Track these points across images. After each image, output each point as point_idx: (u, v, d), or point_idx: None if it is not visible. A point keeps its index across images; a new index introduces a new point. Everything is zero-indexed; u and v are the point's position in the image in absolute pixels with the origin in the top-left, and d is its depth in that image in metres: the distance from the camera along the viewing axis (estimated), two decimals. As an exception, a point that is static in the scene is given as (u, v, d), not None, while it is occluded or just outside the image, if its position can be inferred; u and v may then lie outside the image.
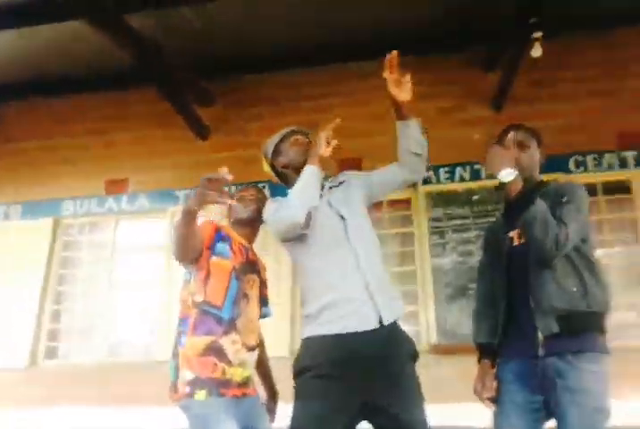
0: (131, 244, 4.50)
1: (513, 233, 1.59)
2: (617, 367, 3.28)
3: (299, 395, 1.45)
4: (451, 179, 4.13)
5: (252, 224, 1.87)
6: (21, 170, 4.76)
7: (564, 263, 1.46)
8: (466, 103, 4.29)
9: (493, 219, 1.78)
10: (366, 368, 1.40)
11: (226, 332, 1.62)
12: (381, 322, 1.45)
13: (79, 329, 4.37)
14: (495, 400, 1.55)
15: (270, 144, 1.86)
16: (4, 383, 4.04)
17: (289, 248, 1.64)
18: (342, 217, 1.60)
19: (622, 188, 3.98)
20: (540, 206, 1.40)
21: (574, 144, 4.02)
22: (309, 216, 1.54)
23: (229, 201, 1.36)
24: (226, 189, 1.37)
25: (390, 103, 1.63)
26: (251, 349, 1.71)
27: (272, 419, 1.82)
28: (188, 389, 1.54)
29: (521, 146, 1.61)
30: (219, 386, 1.56)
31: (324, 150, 1.60)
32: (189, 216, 1.46)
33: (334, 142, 1.63)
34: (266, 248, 3.99)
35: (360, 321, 1.45)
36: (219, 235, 1.73)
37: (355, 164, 4.26)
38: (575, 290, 1.43)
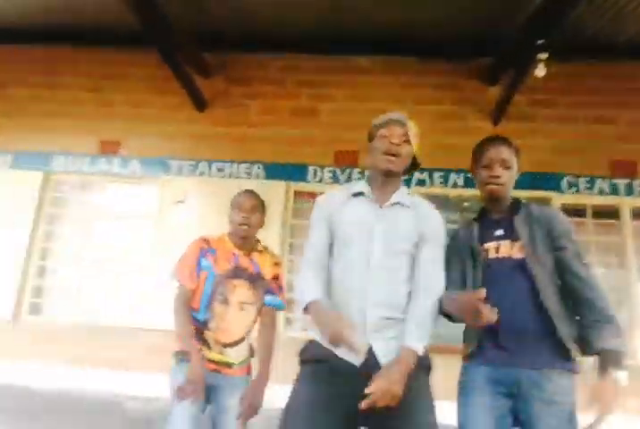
0: (120, 208, 4.47)
1: (489, 246, 1.62)
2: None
3: (302, 379, 1.50)
4: (445, 184, 4.15)
5: (245, 239, 2.03)
6: (12, 117, 4.66)
7: (557, 288, 1.54)
8: (466, 112, 4.32)
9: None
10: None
11: (201, 331, 1.92)
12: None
13: (63, 288, 4.38)
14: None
15: (375, 122, 1.65)
16: None
17: None
18: (373, 250, 1.55)
19: (611, 213, 4.04)
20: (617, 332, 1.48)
21: (567, 165, 4.09)
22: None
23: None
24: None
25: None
26: (228, 345, 1.93)
27: (252, 401, 1.89)
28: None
29: (505, 164, 1.63)
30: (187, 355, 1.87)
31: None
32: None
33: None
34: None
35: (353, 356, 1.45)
36: (202, 252, 1.98)
37: (352, 157, 4.26)
38: (568, 321, 1.51)
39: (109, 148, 4.54)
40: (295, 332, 4.01)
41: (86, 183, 4.58)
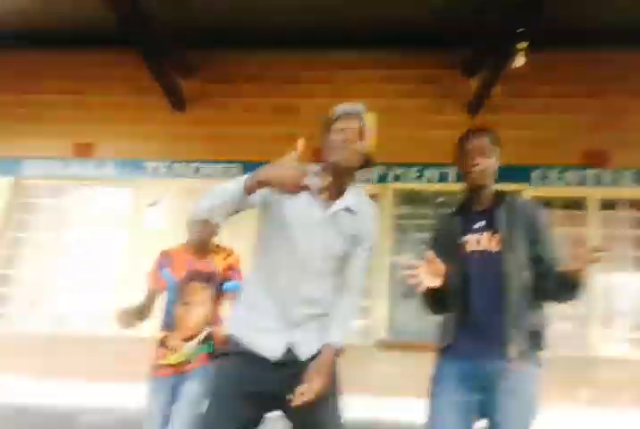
0: (93, 212, 4.38)
1: (470, 238, 1.65)
2: (551, 376, 3.49)
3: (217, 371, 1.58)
4: (420, 179, 4.22)
5: (200, 245, 2.27)
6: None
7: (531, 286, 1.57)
8: (444, 104, 4.36)
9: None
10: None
11: (168, 331, 2.18)
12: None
13: (27, 296, 4.24)
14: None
15: (332, 113, 1.60)
16: None
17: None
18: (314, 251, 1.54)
19: (579, 204, 4.15)
20: None
21: (539, 157, 4.17)
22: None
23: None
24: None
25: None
26: (188, 339, 2.14)
27: None
28: None
29: (483, 152, 1.65)
30: (153, 370, 2.16)
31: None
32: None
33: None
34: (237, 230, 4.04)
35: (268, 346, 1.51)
36: (162, 264, 2.26)
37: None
38: (541, 312, 1.58)
39: (82, 151, 4.46)
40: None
41: (58, 187, 4.47)
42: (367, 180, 4.19)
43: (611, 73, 4.31)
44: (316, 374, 1.44)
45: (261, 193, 1.46)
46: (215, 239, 2.35)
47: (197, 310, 2.18)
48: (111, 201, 4.44)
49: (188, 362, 2.14)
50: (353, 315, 1.63)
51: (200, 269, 2.24)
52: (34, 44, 4.56)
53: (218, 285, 2.24)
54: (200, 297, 2.20)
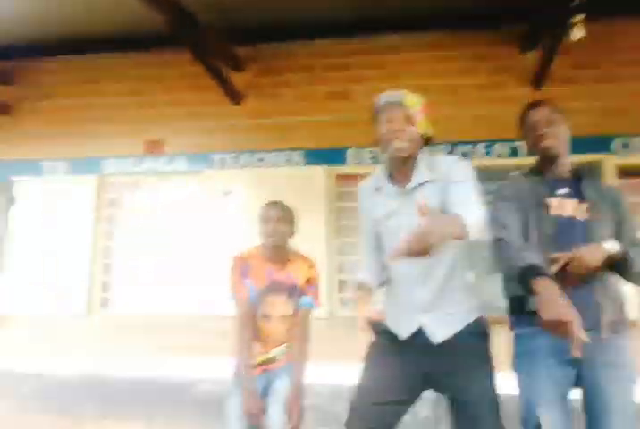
0: (171, 203, 4.63)
1: (553, 201, 1.61)
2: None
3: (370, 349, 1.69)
4: (489, 155, 4.07)
5: (279, 248, 2.12)
6: (61, 127, 4.88)
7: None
8: (504, 80, 4.19)
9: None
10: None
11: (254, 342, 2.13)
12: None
13: (129, 282, 4.58)
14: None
15: (374, 105, 1.67)
16: (66, 329, 4.41)
17: None
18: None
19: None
20: (636, 251, 1.54)
21: (615, 126, 3.94)
22: None
23: None
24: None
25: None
26: (272, 349, 2.11)
27: (292, 411, 1.99)
28: None
29: (550, 121, 1.66)
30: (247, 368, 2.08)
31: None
32: None
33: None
34: (304, 215, 4.14)
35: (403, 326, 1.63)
36: (242, 271, 2.10)
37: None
38: (622, 284, 1.59)
39: (153, 148, 4.71)
40: (348, 312, 4.10)
41: (136, 182, 4.78)
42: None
43: None
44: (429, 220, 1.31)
45: (365, 209, 1.73)
46: (291, 245, 2.20)
47: (280, 326, 2.08)
48: (185, 192, 4.65)
49: (274, 361, 2.11)
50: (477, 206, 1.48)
51: (281, 280, 2.10)
52: (89, 49, 4.84)
53: (297, 300, 2.12)
54: (283, 311, 2.07)
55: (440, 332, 1.55)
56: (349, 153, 4.31)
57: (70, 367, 4.20)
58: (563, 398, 1.51)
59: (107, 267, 4.66)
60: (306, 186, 4.31)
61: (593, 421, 1.49)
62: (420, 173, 1.59)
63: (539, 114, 1.68)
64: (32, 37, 4.70)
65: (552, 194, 1.64)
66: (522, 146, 3.95)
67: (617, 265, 1.52)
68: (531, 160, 1.83)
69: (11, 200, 4.80)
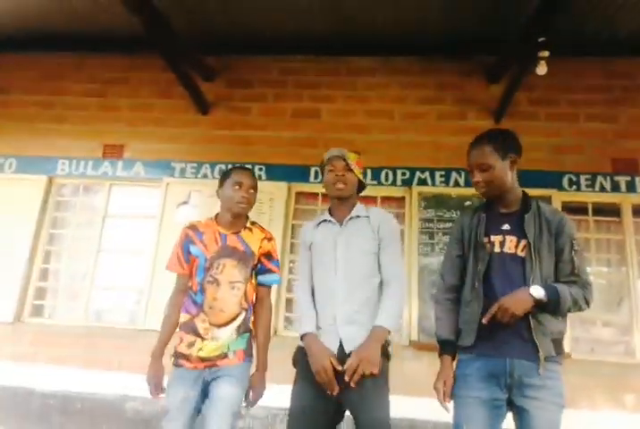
0: (123, 210, 4.50)
1: (495, 238, 1.66)
2: (592, 381, 3.44)
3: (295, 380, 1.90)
4: (446, 183, 4.16)
5: (242, 216, 2.09)
6: (16, 123, 4.70)
7: None
8: (466, 110, 4.32)
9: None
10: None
11: (198, 313, 1.98)
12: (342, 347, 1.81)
13: (65, 290, 4.41)
14: (451, 396, 1.67)
15: (324, 158, 2.07)
16: None
17: None
18: (336, 259, 1.93)
19: (612, 210, 4.05)
20: (567, 296, 1.57)
21: (568, 163, 4.10)
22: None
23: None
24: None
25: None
26: (221, 325, 1.96)
27: (256, 389, 2.01)
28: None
29: (481, 168, 1.67)
30: (179, 358, 1.96)
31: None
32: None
33: None
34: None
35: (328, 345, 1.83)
36: (189, 239, 2.04)
37: (353, 157, 4.26)
38: (560, 318, 1.63)
39: (113, 152, 4.58)
40: (295, 333, 4.02)
41: (89, 186, 4.61)
42: (392, 184, 4.17)
43: (631, 82, 4.25)
44: (360, 350, 1.73)
45: (305, 243, 2.04)
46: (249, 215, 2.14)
47: (230, 292, 1.96)
48: (142, 200, 4.54)
49: (223, 355, 1.93)
50: (400, 306, 1.86)
51: (234, 245, 2.01)
52: (57, 46, 4.72)
53: (251, 269, 2.03)
54: (233, 276, 1.97)
55: (350, 343, 1.79)
56: (312, 171, 4.32)
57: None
58: (492, 421, 1.57)
59: (44, 273, 4.44)
60: (265, 201, 4.28)
61: None
62: (356, 211, 1.99)
63: (473, 157, 1.70)
64: (-5, 29, 4.56)
65: (496, 230, 1.68)
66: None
67: (546, 307, 1.58)
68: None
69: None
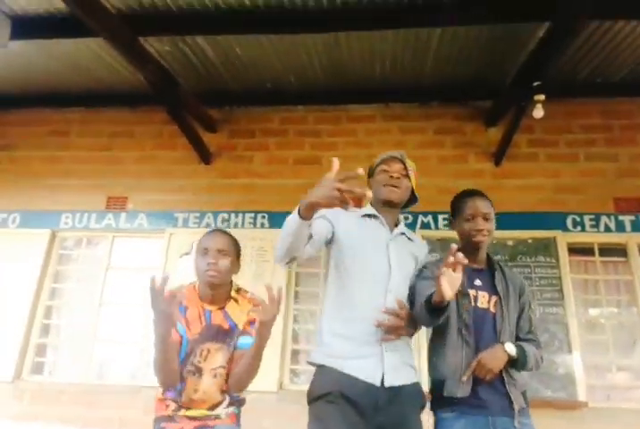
0: (126, 262, 4.47)
1: (472, 292, 1.73)
2: (608, 427, 3.28)
3: (317, 417, 1.53)
4: (449, 226, 4.14)
5: (221, 287, 1.78)
6: (22, 178, 4.78)
7: None
8: (466, 154, 4.39)
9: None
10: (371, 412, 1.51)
11: (174, 399, 1.76)
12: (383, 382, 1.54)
13: (66, 346, 4.31)
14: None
15: (375, 161, 1.85)
16: None
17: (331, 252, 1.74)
18: (391, 265, 1.67)
19: (618, 250, 4.01)
20: (531, 355, 1.69)
21: (571, 204, 4.10)
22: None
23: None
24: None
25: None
26: (208, 410, 1.76)
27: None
28: None
29: (487, 218, 1.77)
30: (162, 422, 1.73)
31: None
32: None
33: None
34: (263, 278, 4.06)
35: (366, 374, 1.53)
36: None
37: (357, 203, 4.26)
38: (525, 373, 1.75)
39: (116, 204, 4.61)
40: (302, 386, 3.88)
41: (92, 239, 4.61)
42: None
43: (630, 122, 4.32)
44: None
45: (328, 220, 1.66)
46: (235, 282, 1.87)
47: (211, 380, 1.72)
48: (144, 251, 4.52)
49: (215, 417, 1.73)
50: None
51: (219, 324, 1.74)
52: (63, 102, 4.88)
53: (234, 344, 1.76)
54: (217, 363, 1.73)
55: (392, 376, 1.57)
56: (315, 218, 4.32)
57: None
58: None
59: (45, 328, 4.35)
60: (268, 250, 4.25)
61: None
62: (403, 227, 1.79)
63: (478, 207, 1.77)
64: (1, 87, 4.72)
65: (470, 285, 1.75)
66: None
67: (514, 364, 1.67)
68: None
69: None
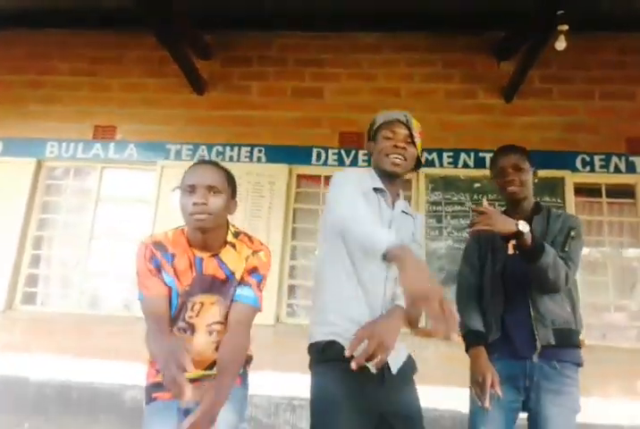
0: (116, 194, 4.31)
1: (510, 243, 1.73)
2: (604, 367, 3.34)
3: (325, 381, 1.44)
4: (454, 164, 4.00)
5: (214, 231, 1.50)
6: (2, 104, 4.47)
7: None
8: (476, 88, 4.14)
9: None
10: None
11: None
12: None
13: (57, 277, 4.26)
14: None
15: (376, 121, 1.64)
16: None
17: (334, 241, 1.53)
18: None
19: (627, 192, 3.91)
20: (550, 253, 1.59)
21: (582, 143, 3.95)
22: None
23: None
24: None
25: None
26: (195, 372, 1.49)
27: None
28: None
29: (517, 168, 1.76)
30: (155, 390, 1.52)
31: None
32: None
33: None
34: (259, 214, 3.95)
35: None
36: (155, 262, 1.48)
37: (357, 139, 4.09)
38: (569, 310, 1.70)
39: (103, 133, 4.37)
40: (298, 319, 3.89)
41: (80, 169, 4.41)
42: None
43: None
44: (373, 324, 1.38)
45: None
46: (232, 224, 1.60)
47: (206, 338, 1.52)
48: (134, 183, 4.35)
49: (214, 376, 1.46)
50: None
51: (212, 273, 1.51)
52: (43, 23, 4.46)
53: (232, 296, 1.53)
54: (212, 318, 1.52)
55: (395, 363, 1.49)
56: (314, 152, 4.13)
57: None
58: (508, 421, 1.64)
59: (36, 259, 4.26)
60: (265, 185, 4.10)
61: None
62: (404, 204, 1.66)
63: (507, 159, 1.78)
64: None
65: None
66: (489, 156, 3.89)
67: (526, 252, 1.60)
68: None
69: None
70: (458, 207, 3.87)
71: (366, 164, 3.98)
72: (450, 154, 4.02)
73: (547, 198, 3.78)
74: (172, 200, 4.11)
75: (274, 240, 3.88)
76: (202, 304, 1.51)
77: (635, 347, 3.60)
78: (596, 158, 3.90)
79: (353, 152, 4.10)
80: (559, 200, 3.78)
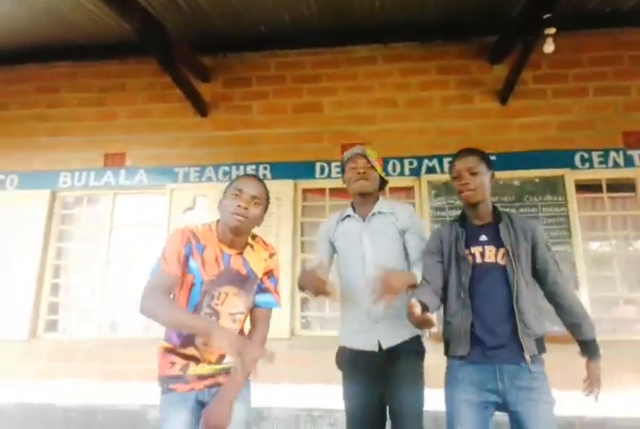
0: (129, 219, 4.44)
1: (475, 250, 1.77)
2: (616, 361, 3.37)
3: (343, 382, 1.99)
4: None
5: (243, 234, 1.72)
6: (15, 138, 4.65)
7: (532, 293, 1.74)
8: (472, 93, 4.22)
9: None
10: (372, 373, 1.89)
11: (183, 345, 1.66)
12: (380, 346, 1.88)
13: (77, 304, 4.37)
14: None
15: (344, 158, 2.12)
16: (5, 355, 4.08)
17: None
18: (364, 254, 1.98)
19: (627, 186, 3.95)
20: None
21: (579, 140, 4.00)
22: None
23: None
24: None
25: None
26: (219, 359, 1.70)
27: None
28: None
29: (472, 171, 1.79)
30: (170, 381, 1.65)
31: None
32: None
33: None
34: (269, 231, 4.04)
35: (364, 344, 1.92)
36: (189, 248, 1.64)
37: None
38: (540, 319, 1.74)
39: (113, 161, 4.52)
40: (312, 332, 3.95)
41: (93, 197, 4.56)
42: (400, 174, 4.10)
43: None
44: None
45: (325, 238, 2.13)
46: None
47: (229, 325, 1.67)
48: (145, 207, 4.48)
49: (226, 371, 1.67)
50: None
51: (237, 268, 1.69)
52: (50, 57, 4.66)
53: (253, 294, 1.74)
54: (235, 307, 1.69)
55: (388, 340, 1.88)
56: (317, 166, 4.24)
57: (10, 396, 3.90)
58: (483, 422, 1.68)
59: (55, 287, 4.39)
60: (272, 201, 4.18)
61: None
62: (378, 207, 2.04)
63: (462, 163, 1.83)
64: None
65: (475, 242, 1.78)
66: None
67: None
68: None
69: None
70: (457, 212, 3.94)
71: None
72: (450, 159, 4.07)
73: (549, 197, 3.85)
74: (183, 221, 4.24)
75: (284, 254, 3.96)
76: (227, 294, 1.68)
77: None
78: (594, 154, 3.95)
79: (355, 163, 4.19)
80: (560, 198, 3.84)
